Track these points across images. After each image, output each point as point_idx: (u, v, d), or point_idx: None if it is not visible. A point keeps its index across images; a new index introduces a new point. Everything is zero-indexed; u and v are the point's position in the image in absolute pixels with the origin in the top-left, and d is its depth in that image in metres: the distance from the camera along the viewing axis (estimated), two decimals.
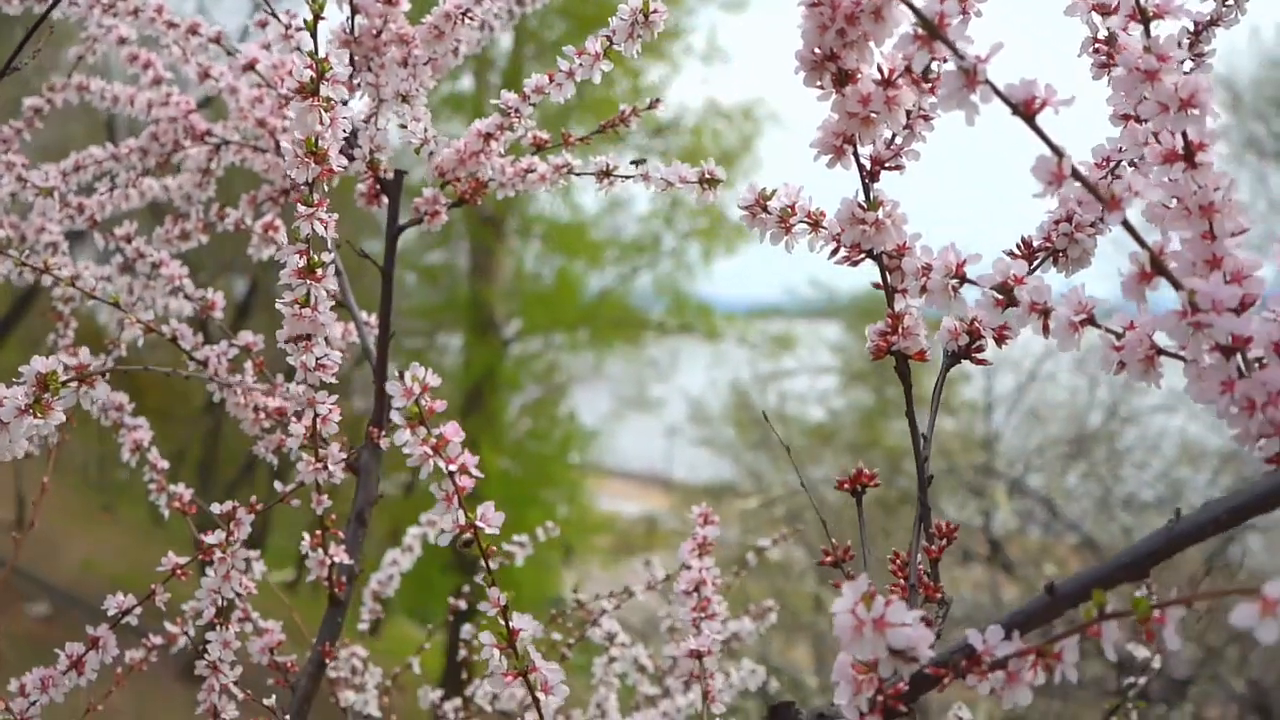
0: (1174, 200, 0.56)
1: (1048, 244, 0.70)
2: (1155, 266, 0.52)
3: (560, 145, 1.01)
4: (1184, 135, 0.55)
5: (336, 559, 0.98)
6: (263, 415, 1.03)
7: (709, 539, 1.00)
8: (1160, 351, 0.55)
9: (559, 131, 1.02)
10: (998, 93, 0.51)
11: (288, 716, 0.95)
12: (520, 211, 11.66)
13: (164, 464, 1.12)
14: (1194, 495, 7.09)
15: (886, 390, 9.22)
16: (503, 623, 0.66)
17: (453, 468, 0.64)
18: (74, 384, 0.66)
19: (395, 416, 0.64)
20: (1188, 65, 0.73)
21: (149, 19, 1.12)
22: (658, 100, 1.02)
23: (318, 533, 0.97)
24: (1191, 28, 0.73)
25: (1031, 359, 6.95)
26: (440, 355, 11.61)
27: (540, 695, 0.66)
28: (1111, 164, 0.70)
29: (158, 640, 1.13)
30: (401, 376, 0.63)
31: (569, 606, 1.40)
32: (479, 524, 0.65)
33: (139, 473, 1.16)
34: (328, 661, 1.00)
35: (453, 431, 0.64)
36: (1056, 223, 0.70)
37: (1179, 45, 0.73)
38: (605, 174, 0.96)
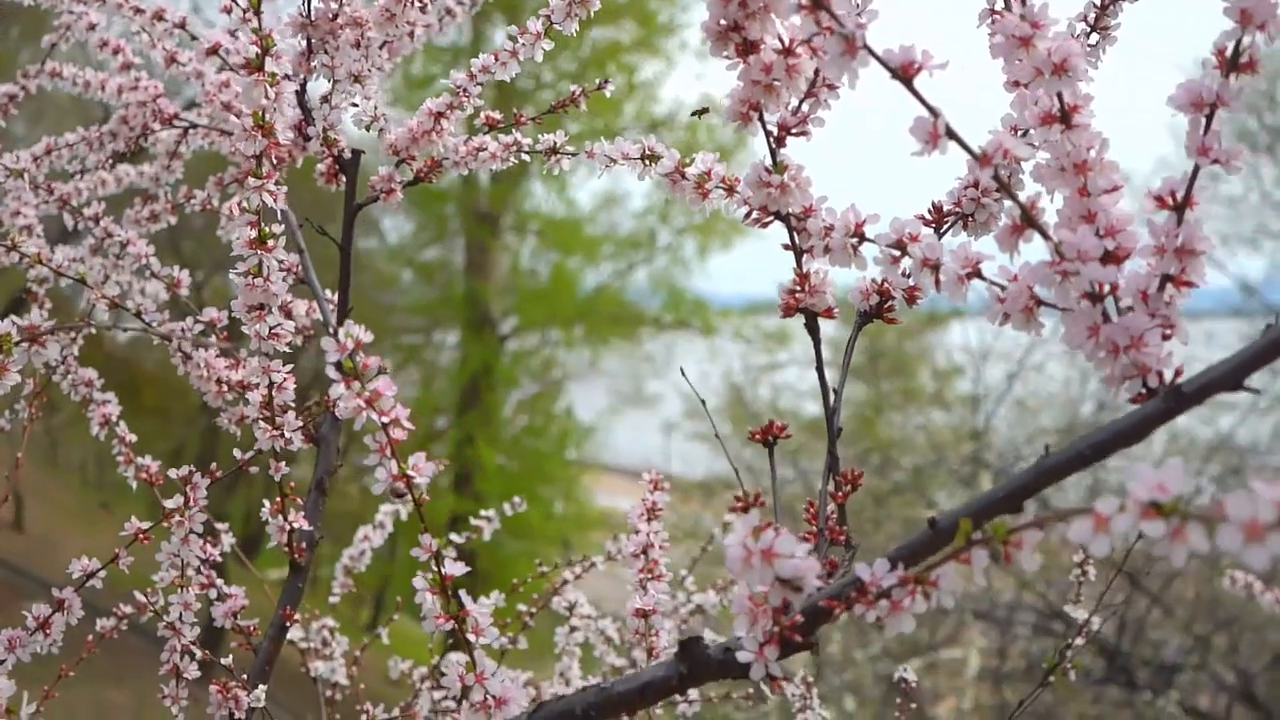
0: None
1: (957, 208, 0.74)
2: (1026, 219, 0.56)
3: (513, 125, 1.04)
4: (1059, 97, 0.58)
5: (296, 525, 1.01)
6: (225, 388, 1.07)
7: (658, 504, 1.04)
8: (1040, 302, 0.59)
9: (510, 112, 1.05)
10: (876, 57, 0.54)
11: (245, 675, 0.98)
12: (516, 208, 11.70)
13: (132, 437, 1.15)
14: None
15: (881, 385, 9.26)
16: (436, 569, 0.70)
17: (386, 419, 0.67)
18: (25, 344, 0.70)
19: (330, 371, 0.67)
20: (1094, 39, 0.76)
21: (116, 4, 1.15)
22: (606, 81, 1.05)
23: (278, 500, 1.01)
24: (1098, 2, 0.77)
25: (1021, 349, 7.00)
26: (436, 352, 11.66)
27: (471, 638, 0.69)
28: (1019, 132, 0.73)
29: (127, 609, 1.16)
30: (336, 335, 0.66)
31: (531, 577, 1.44)
32: (410, 474, 0.68)
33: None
34: (289, 624, 1.04)
35: (385, 386, 0.68)
36: (965, 188, 0.74)
37: (1084, 19, 0.76)
38: (553, 151, 1.00)
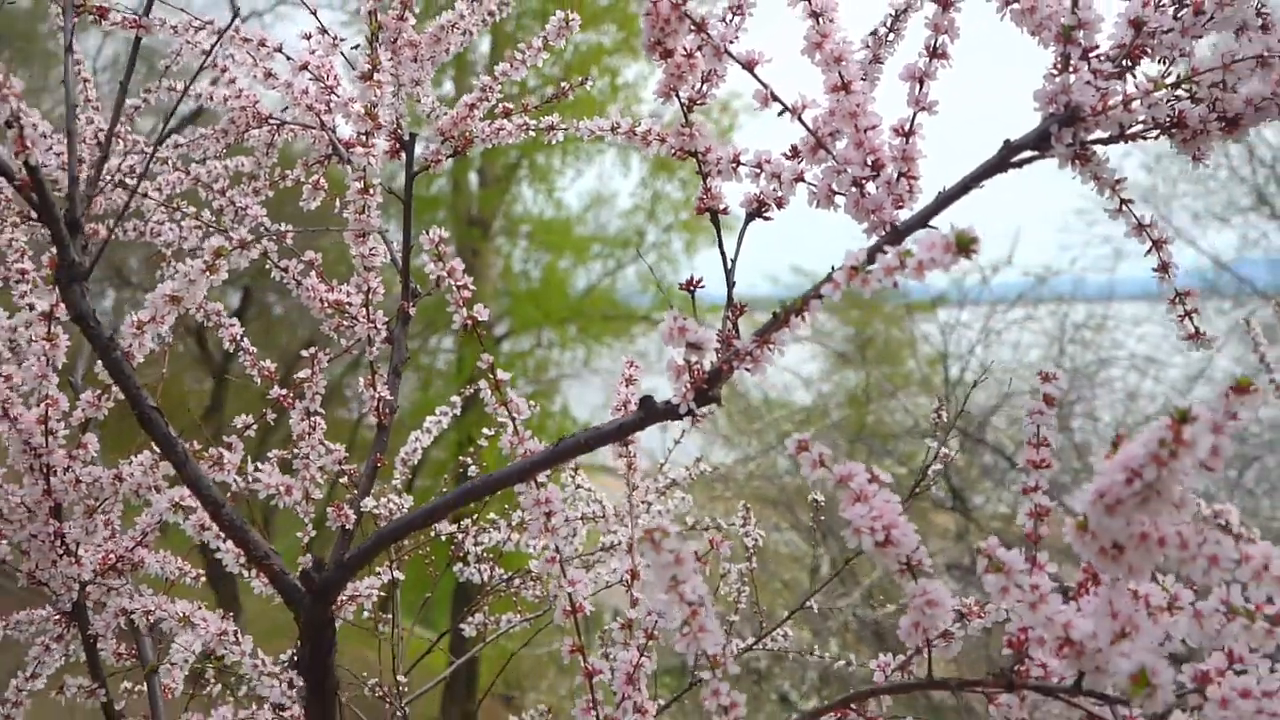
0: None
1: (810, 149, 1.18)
2: (818, 143, 1.01)
3: (521, 110, 1.49)
4: (840, 75, 1.03)
5: (382, 394, 1.46)
6: (325, 305, 1.51)
7: (634, 377, 1.48)
8: (834, 191, 1.04)
9: (520, 104, 1.50)
10: (731, 55, 0.99)
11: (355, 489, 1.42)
12: (505, 213, 12.13)
13: (253, 350, 1.60)
14: None
15: (872, 374, 9.72)
16: (493, 376, 1.14)
17: (459, 283, 1.12)
18: (238, 250, 1.14)
19: (425, 255, 1.11)
20: (890, 36, 1.21)
21: (229, 37, 1.59)
22: (587, 78, 1.50)
23: (369, 376, 1.45)
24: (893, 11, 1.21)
25: (981, 318, 7.49)
26: (433, 356, 12.06)
27: (514, 416, 1.14)
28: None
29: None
30: (428, 231, 1.11)
31: None
32: (476, 315, 1.13)
33: None
34: (379, 466, 1.48)
35: (458, 264, 1.12)
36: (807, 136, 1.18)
37: (884, 23, 1.21)
38: (552, 128, 1.45)
